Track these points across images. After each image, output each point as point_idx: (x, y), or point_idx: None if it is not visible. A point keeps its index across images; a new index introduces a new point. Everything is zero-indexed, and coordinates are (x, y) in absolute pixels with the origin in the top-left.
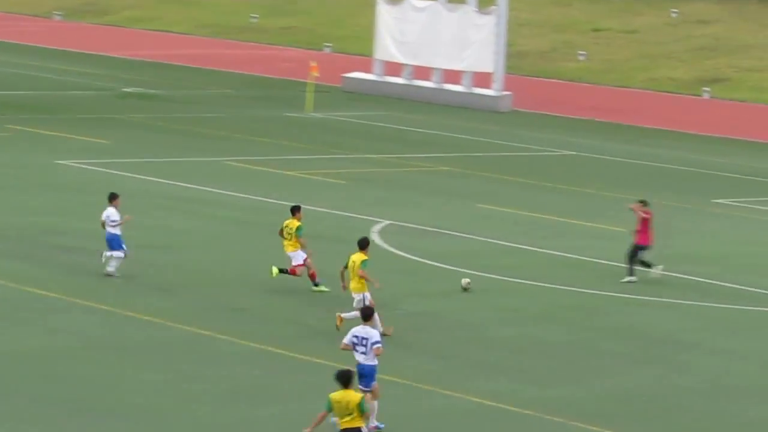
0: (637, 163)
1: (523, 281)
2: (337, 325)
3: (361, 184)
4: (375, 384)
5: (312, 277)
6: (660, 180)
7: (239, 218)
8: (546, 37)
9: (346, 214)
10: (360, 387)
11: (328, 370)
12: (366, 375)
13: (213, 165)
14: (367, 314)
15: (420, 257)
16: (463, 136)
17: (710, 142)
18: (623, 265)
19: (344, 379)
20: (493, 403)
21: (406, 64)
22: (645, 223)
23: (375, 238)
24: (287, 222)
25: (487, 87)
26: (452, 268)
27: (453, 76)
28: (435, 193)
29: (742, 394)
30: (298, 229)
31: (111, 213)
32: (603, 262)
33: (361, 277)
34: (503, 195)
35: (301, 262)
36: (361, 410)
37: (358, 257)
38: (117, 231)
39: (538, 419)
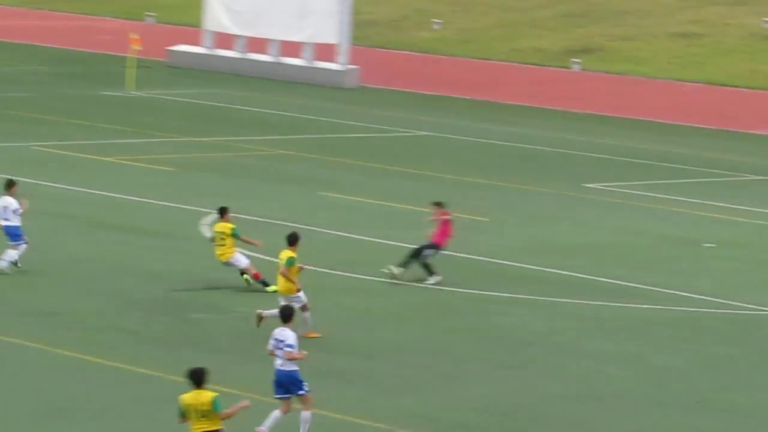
0: (499, 144)
1: (371, 278)
2: (258, 324)
3: (188, 171)
4: (306, 393)
5: (256, 277)
6: (525, 163)
7: (52, 211)
8: (396, 4)
9: (173, 204)
10: (278, 396)
11: (155, 380)
12: (284, 383)
13: (21, 151)
14: (286, 315)
15: (256, 252)
16: (304, 116)
17: (581, 119)
18: (482, 258)
19: (196, 378)
20: (340, 416)
21: (240, 36)
22: (445, 225)
23: (205, 231)
24: (217, 226)
25: (331, 60)
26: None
27: (292, 48)
28: (272, 180)
29: (617, 400)
30: (233, 232)
31: (10, 202)
32: (462, 255)
33: (282, 275)
34: (348, 182)
35: (247, 265)
36: (216, 409)
37: (285, 254)
38: (18, 222)
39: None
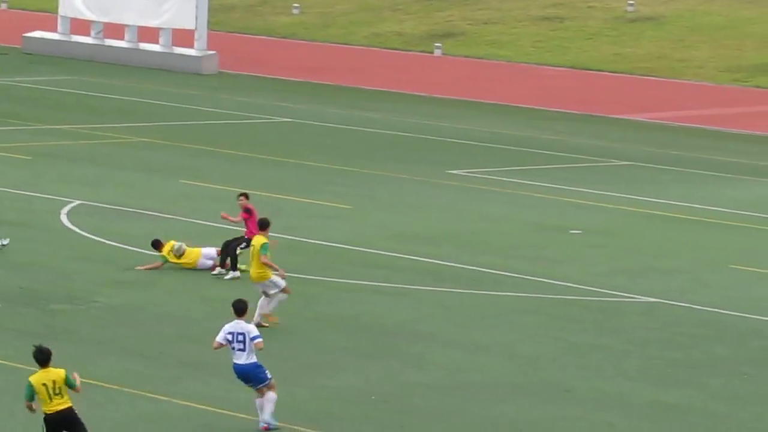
0: (361, 131)
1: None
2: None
3: (46, 160)
4: (270, 380)
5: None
6: (387, 149)
7: None
8: None
9: (30, 193)
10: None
11: (16, 372)
12: (251, 376)
13: None
14: (240, 308)
15: (116, 242)
16: (163, 103)
17: (444, 104)
18: (345, 246)
19: (44, 357)
20: (204, 407)
21: (96, 21)
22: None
23: (63, 220)
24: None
25: (189, 46)
26: (153, 253)
27: (150, 33)
28: (132, 168)
29: (483, 390)
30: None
31: None
32: (323, 243)
33: (264, 263)
34: (209, 169)
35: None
36: (70, 385)
37: (258, 240)
38: None
39: (253, 423)
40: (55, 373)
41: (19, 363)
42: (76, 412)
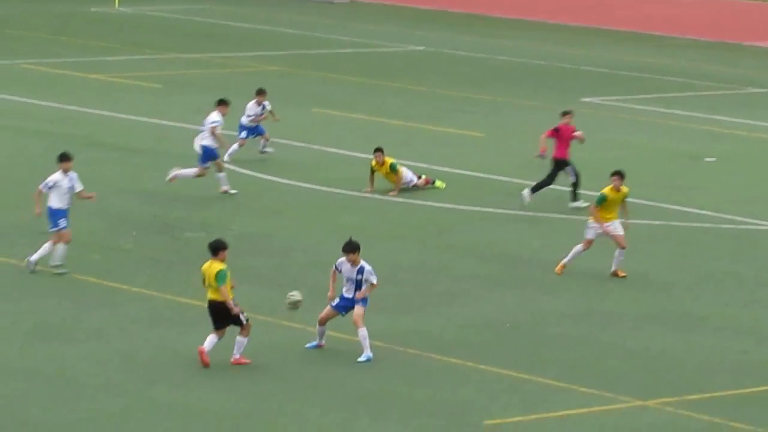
0: (493, 59)
1: (366, 195)
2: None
3: (179, 88)
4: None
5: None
6: (520, 77)
7: (40, 129)
8: None
9: (164, 122)
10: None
11: (150, 299)
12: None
13: (6, 69)
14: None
15: (251, 170)
16: (295, 31)
17: (576, 32)
18: (476, 174)
19: (213, 247)
20: (341, 335)
21: None
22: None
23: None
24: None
25: None
26: (286, 181)
27: None
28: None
29: (617, 318)
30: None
31: None
32: (456, 171)
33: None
34: (341, 98)
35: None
36: (218, 282)
37: (212, 269)
38: None
39: (389, 351)
40: (213, 267)
41: (153, 290)
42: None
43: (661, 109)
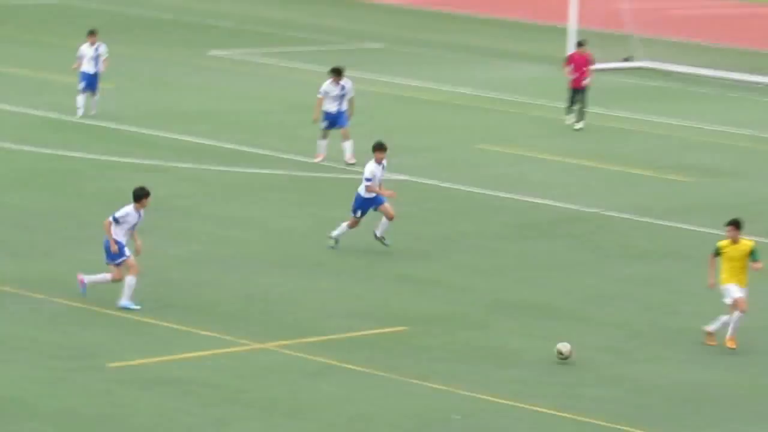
0: (125, 11)
1: None
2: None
3: None
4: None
5: None
6: (149, 30)
7: None
8: None
9: None
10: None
11: None
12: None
13: None
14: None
15: None
16: None
17: None
18: (104, 124)
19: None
20: None
21: None
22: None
23: None
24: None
25: None
26: None
27: None
28: None
29: (240, 263)
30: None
31: None
32: (84, 122)
33: None
34: None
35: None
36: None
37: None
38: None
39: (17, 296)
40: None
41: None
42: None
43: (286, 63)
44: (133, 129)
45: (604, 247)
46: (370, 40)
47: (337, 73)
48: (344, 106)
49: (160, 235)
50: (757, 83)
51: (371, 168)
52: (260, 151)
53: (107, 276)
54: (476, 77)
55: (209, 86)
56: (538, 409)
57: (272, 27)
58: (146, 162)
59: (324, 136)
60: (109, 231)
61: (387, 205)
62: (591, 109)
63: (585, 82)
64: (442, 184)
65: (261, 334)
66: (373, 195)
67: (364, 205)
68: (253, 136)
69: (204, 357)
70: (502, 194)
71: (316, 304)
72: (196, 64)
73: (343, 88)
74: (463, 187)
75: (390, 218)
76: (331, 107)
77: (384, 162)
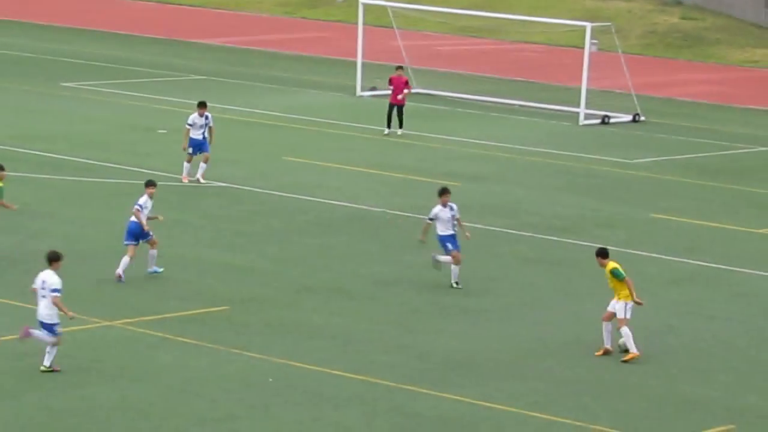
0: None
1: None
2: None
3: None
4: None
5: None
6: (13, 66)
7: None
8: None
9: None
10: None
11: None
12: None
13: None
14: (50, 258)
15: None
16: None
17: (57, 31)
18: None
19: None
20: None
21: None
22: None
23: None
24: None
25: None
26: None
27: None
28: None
29: (92, 256)
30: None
31: None
32: None
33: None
34: None
35: None
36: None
37: None
38: None
39: None
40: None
41: None
42: None
43: (126, 92)
44: (2, 147)
45: (389, 240)
46: (195, 73)
47: (202, 105)
48: (206, 134)
49: (25, 234)
50: (511, 105)
51: (435, 210)
52: (107, 164)
53: (126, 258)
54: (281, 102)
55: (64, 112)
56: (336, 372)
57: (115, 63)
58: (13, 174)
59: (189, 160)
60: (139, 216)
61: (456, 253)
62: (374, 126)
63: (401, 97)
64: (255, 190)
65: (110, 314)
66: (450, 232)
67: (442, 240)
68: (102, 152)
69: (64, 332)
70: (304, 197)
71: (155, 288)
72: (52, 93)
73: (207, 118)
74: (273, 192)
75: (457, 263)
76: (197, 135)
77: (451, 204)
